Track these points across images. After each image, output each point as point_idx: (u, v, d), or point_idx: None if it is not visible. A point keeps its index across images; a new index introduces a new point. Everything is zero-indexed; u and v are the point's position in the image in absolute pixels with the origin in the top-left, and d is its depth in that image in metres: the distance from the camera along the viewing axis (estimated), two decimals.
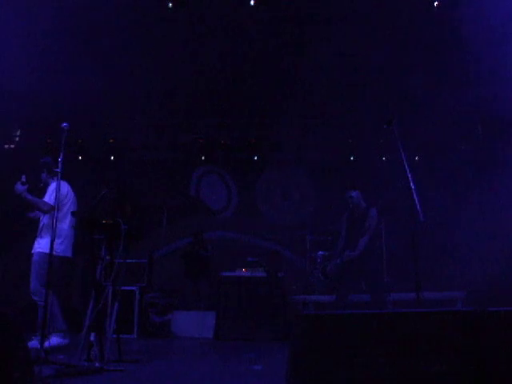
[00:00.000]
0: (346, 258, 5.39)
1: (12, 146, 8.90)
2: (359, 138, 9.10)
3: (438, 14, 6.30)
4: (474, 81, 6.64)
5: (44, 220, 4.90)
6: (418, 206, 3.58)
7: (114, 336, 4.16)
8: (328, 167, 9.19)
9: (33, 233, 4.97)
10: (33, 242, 4.91)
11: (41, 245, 4.80)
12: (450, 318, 2.14)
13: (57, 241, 4.49)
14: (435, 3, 6.27)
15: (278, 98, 8.29)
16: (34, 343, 4.27)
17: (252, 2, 6.32)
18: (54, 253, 4.39)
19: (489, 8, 5.64)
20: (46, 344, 4.03)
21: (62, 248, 4.84)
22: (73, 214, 4.78)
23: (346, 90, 7.57)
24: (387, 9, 6.40)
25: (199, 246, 8.31)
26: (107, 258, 4.16)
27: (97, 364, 3.78)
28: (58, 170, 3.98)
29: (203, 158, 9.60)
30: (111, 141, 9.21)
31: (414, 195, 3.63)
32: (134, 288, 6.75)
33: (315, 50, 6.99)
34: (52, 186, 4.82)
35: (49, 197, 4.80)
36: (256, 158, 9.54)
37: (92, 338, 3.91)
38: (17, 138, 8.89)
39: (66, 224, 4.90)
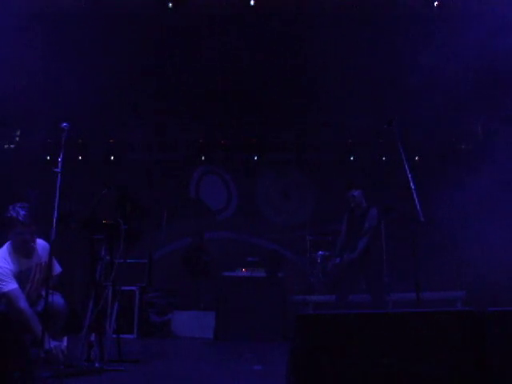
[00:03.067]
0: (345, 259, 5.40)
1: (12, 145, 8.89)
2: (359, 137, 9.10)
3: (439, 13, 6.31)
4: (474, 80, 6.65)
5: None
6: (418, 206, 3.58)
7: (114, 336, 4.16)
8: (328, 167, 9.19)
9: None
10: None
11: None
12: (450, 318, 2.14)
13: None
14: (435, 3, 6.28)
15: (278, 97, 8.28)
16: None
17: (252, 2, 6.32)
18: None
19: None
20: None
21: None
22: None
23: (346, 90, 7.56)
24: (387, 8, 6.41)
25: (200, 249, 8.27)
26: (107, 257, 4.16)
27: (97, 364, 3.78)
28: (58, 170, 3.94)
29: (203, 158, 9.60)
30: (111, 141, 9.21)
31: (414, 195, 3.63)
32: (134, 288, 6.74)
33: (315, 50, 7.00)
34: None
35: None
36: (256, 157, 9.54)
37: (92, 338, 3.91)
38: (17, 138, 8.88)
39: None
